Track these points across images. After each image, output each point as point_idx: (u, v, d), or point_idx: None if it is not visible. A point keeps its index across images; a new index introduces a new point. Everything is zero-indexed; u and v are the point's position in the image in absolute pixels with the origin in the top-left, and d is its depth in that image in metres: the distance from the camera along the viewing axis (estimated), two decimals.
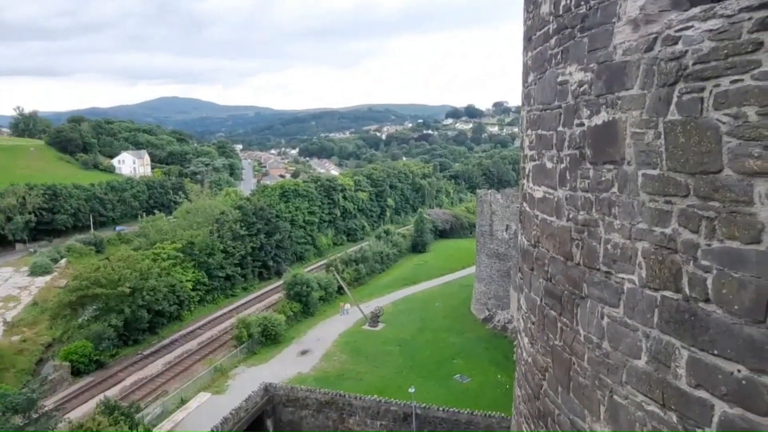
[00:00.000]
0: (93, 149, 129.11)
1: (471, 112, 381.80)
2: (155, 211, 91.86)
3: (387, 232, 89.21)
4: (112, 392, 38.86)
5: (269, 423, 36.45)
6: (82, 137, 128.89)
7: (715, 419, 3.12)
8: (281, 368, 43.20)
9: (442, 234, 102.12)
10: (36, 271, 66.19)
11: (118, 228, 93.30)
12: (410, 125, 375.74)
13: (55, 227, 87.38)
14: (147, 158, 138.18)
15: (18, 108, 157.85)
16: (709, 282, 3.18)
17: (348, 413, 35.07)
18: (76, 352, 43.47)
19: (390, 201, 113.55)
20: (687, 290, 3.33)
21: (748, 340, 2.93)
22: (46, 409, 30.58)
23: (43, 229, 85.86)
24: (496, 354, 44.14)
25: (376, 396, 35.43)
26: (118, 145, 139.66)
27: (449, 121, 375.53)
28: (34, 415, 28.62)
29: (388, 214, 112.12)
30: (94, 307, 47.47)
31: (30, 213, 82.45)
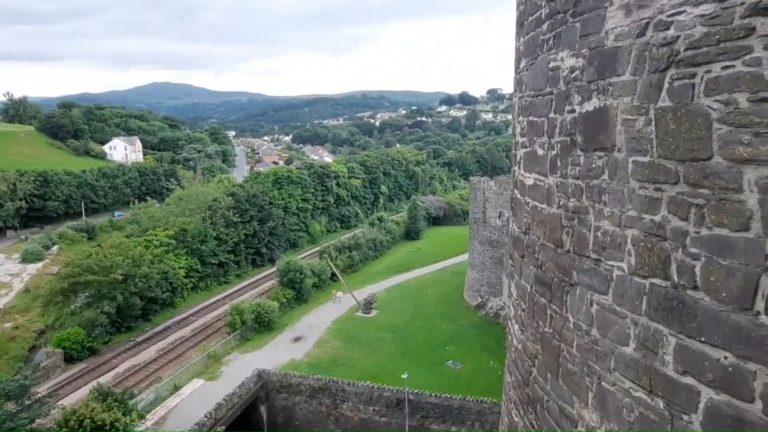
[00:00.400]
0: (84, 135, 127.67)
1: (465, 99, 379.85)
2: (147, 197, 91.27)
3: (380, 219, 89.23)
4: (106, 379, 38.93)
5: (263, 409, 36.70)
6: (73, 123, 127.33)
7: (701, 405, 3.14)
8: (274, 355, 43.39)
9: (435, 221, 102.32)
10: (28, 258, 65.80)
11: (116, 214, 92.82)
12: (404, 112, 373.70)
13: (46, 214, 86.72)
14: (139, 144, 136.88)
15: (7, 93, 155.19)
16: (697, 269, 3.18)
17: (341, 399, 35.36)
18: (69, 339, 43.41)
19: (383, 188, 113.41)
20: (675, 278, 3.34)
21: (735, 327, 2.94)
22: (39, 395, 30.62)
23: (34, 216, 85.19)
24: (489, 340, 44.54)
25: (369, 382, 35.70)
26: (109, 131, 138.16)
27: (443, 108, 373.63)
28: (27, 402, 28.65)
29: (381, 201, 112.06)
30: (87, 294, 47.33)
31: (21, 199, 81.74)
